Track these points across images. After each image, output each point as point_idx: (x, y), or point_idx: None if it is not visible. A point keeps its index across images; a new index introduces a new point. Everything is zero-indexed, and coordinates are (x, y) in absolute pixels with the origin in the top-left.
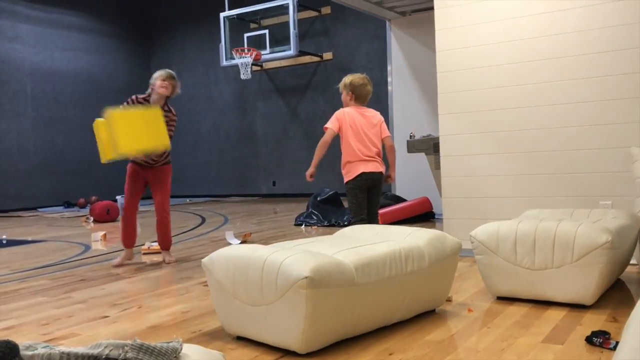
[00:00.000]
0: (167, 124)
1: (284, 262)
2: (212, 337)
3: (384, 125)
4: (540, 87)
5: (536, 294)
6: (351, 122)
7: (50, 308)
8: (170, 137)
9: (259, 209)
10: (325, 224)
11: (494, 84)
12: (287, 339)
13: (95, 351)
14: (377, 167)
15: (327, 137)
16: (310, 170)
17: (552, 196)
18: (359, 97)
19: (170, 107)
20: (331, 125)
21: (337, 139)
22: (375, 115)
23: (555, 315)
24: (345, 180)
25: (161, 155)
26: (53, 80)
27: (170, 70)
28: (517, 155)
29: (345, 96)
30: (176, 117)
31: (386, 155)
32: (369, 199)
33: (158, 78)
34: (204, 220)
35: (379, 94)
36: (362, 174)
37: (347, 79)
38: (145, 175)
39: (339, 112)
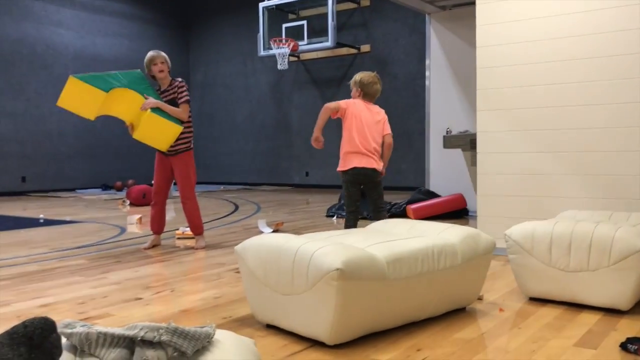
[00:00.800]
0: (178, 96)
1: (315, 253)
2: (242, 323)
3: (387, 124)
4: (582, 86)
5: (570, 296)
6: (357, 112)
7: (86, 288)
8: (188, 101)
9: (291, 199)
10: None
11: (535, 82)
12: (316, 329)
13: (131, 333)
14: (370, 162)
15: (331, 104)
16: (315, 134)
17: (591, 197)
18: (367, 95)
19: (174, 81)
20: (338, 101)
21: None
22: (380, 111)
23: (589, 319)
24: (338, 169)
25: (177, 140)
26: (95, 65)
27: (153, 53)
28: (556, 155)
29: (354, 92)
30: (182, 83)
31: (383, 151)
32: (368, 194)
33: (151, 63)
34: (237, 207)
35: (415, 88)
36: (354, 168)
37: (358, 76)
38: (169, 163)
39: (348, 100)
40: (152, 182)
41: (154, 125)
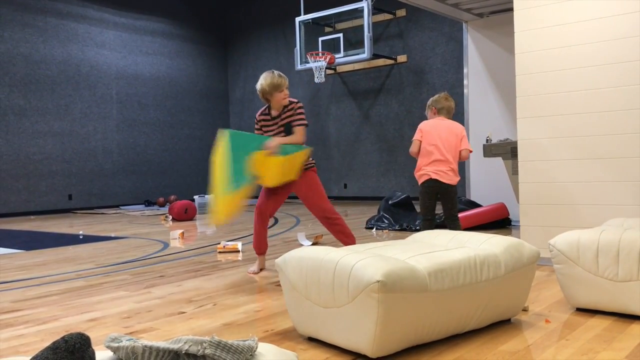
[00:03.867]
0: (294, 119)
1: (355, 265)
2: (284, 336)
3: (465, 140)
4: (627, 89)
5: (619, 307)
6: (429, 129)
7: (131, 302)
8: (306, 125)
9: None
10: (397, 228)
11: (576, 87)
12: (358, 342)
13: (176, 346)
14: (442, 176)
15: (413, 148)
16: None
17: (638, 205)
18: (441, 110)
19: (291, 102)
20: (415, 136)
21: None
22: (457, 127)
23: None
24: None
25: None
26: (136, 84)
27: (276, 73)
28: (600, 161)
29: (430, 114)
30: (300, 105)
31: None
32: (442, 204)
33: (276, 90)
34: (276, 221)
35: (454, 96)
36: (428, 180)
37: (430, 99)
38: (289, 186)
39: (420, 125)
40: (197, 195)
41: (287, 165)
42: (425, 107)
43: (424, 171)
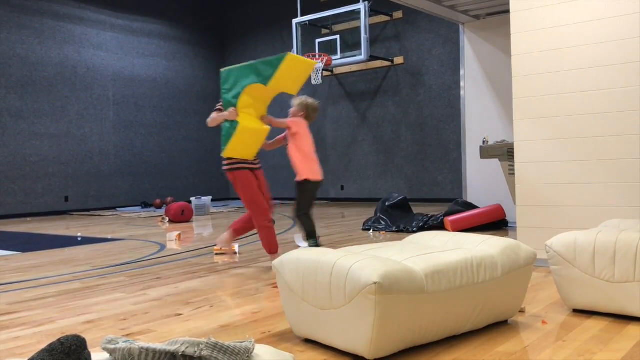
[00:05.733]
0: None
1: (352, 266)
2: (281, 338)
3: None
4: (622, 91)
5: (616, 308)
6: (306, 131)
7: (128, 304)
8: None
9: (327, 213)
10: (394, 229)
11: (572, 89)
12: (355, 344)
13: (172, 348)
14: (321, 175)
15: (280, 122)
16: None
17: (634, 206)
18: (309, 118)
19: None
20: (285, 120)
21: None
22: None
23: (637, 332)
24: (305, 178)
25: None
26: (133, 86)
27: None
28: (597, 163)
29: (297, 111)
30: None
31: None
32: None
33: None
34: (273, 222)
35: (450, 98)
36: (318, 180)
37: (306, 99)
38: (256, 177)
39: (294, 119)
40: (194, 197)
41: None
42: (421, 109)
43: (314, 171)
